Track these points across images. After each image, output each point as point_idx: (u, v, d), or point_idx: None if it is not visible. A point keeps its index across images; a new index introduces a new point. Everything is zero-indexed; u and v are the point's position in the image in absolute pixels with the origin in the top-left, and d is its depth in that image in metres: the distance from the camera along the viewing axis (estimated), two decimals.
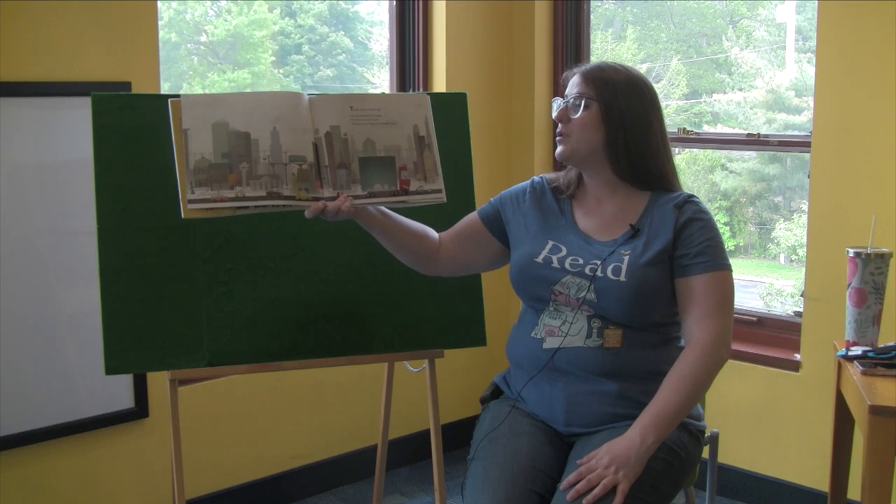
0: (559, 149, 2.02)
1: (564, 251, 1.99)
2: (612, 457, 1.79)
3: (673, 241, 1.94)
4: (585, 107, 1.97)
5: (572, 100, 2.00)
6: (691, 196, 2.00)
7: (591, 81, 1.99)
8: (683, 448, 1.91)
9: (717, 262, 1.93)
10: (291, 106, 1.94)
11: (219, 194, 1.87)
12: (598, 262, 1.94)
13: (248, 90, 3.55)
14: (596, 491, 1.76)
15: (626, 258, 1.93)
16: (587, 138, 1.98)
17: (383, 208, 2.04)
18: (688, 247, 1.93)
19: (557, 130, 2.03)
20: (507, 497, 1.82)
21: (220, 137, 1.89)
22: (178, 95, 1.96)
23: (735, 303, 1.98)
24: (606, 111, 1.97)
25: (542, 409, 2.00)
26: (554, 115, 2.03)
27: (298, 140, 1.93)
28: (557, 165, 3.62)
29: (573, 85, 2.02)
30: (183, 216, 1.87)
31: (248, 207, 1.88)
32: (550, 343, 1.96)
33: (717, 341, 1.89)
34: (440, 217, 2.17)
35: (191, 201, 1.86)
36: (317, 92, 3.65)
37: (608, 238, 1.99)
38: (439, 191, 2.04)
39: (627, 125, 1.97)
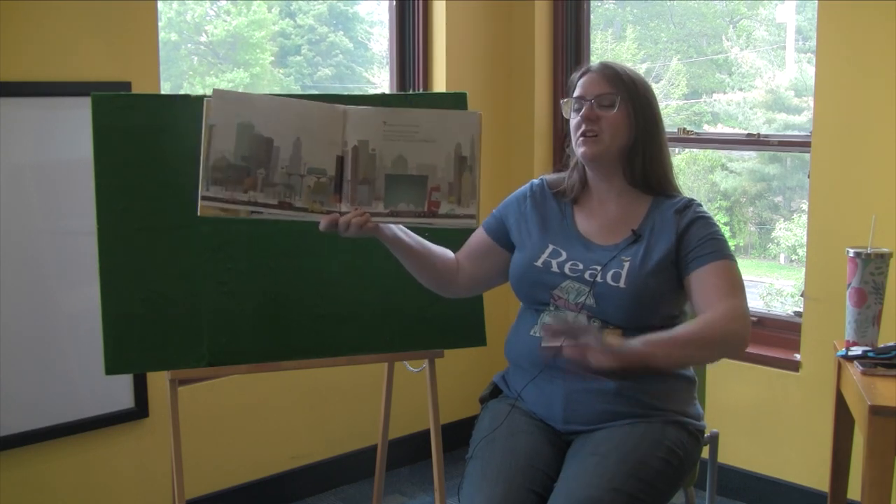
0: (587, 148, 1.98)
1: (564, 255, 1.99)
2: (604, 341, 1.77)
3: (676, 246, 1.95)
4: (617, 105, 1.97)
5: (600, 97, 1.97)
6: (692, 200, 2.01)
7: (613, 81, 1.99)
8: (682, 448, 1.91)
9: (722, 252, 1.94)
10: (320, 117, 1.90)
11: (232, 196, 1.85)
12: (598, 268, 1.94)
13: (251, 91, 3.55)
14: (571, 350, 1.74)
15: (627, 265, 1.93)
16: (619, 137, 1.98)
17: (405, 228, 2.00)
18: (691, 244, 1.95)
19: (584, 130, 1.98)
20: (504, 496, 1.82)
21: (243, 139, 1.86)
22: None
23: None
24: (634, 109, 1.98)
25: (540, 406, 2.00)
26: (576, 117, 2.00)
27: (321, 152, 1.89)
28: (557, 165, 3.62)
29: (594, 84, 1.99)
30: (199, 213, 1.86)
31: (262, 213, 1.86)
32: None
33: (735, 315, 1.87)
34: None
35: (204, 198, 1.85)
36: (316, 92, 3.66)
37: (609, 242, 1.99)
38: (472, 216, 1.94)
39: (646, 127, 1.99)
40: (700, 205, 2.01)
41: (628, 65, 2.11)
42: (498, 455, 1.91)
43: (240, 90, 3.55)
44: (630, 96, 1.98)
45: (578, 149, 2.01)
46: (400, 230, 2.00)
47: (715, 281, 1.91)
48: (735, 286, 1.92)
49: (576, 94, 2.03)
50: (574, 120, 2.02)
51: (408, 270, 2.08)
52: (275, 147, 1.87)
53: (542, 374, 1.97)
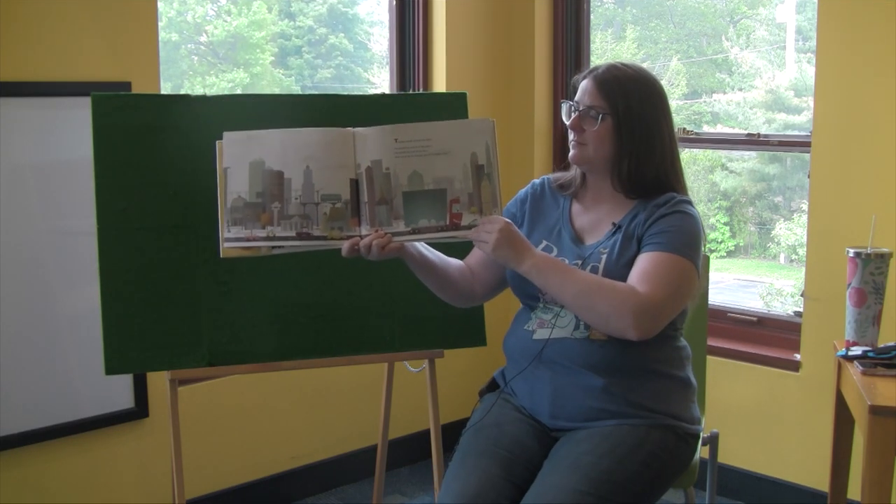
0: (574, 153, 2.01)
1: (555, 252, 2.01)
2: (508, 229, 1.86)
3: (643, 232, 1.93)
4: (601, 120, 1.96)
5: (586, 110, 1.98)
6: (677, 197, 1.97)
7: (604, 90, 1.96)
8: (666, 451, 1.90)
9: (671, 245, 1.88)
10: (327, 143, 1.89)
11: (251, 234, 1.86)
12: (579, 263, 1.95)
13: (249, 91, 3.55)
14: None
15: (604, 257, 1.94)
16: (602, 149, 1.97)
17: (427, 246, 2.00)
18: (652, 231, 1.92)
19: (572, 137, 2.01)
20: (480, 483, 1.83)
21: (256, 176, 1.87)
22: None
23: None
24: (619, 124, 1.96)
25: (529, 400, 2.01)
26: (567, 121, 2.02)
27: (333, 178, 1.88)
28: (557, 165, 3.62)
29: (586, 93, 1.99)
30: (221, 255, 1.87)
31: (283, 247, 1.87)
32: (540, 335, 1.98)
33: (638, 299, 1.81)
34: None
35: (226, 240, 1.86)
36: (317, 93, 3.66)
37: (595, 239, 2.00)
38: None
39: (637, 137, 1.96)
40: (686, 202, 1.97)
41: (643, 66, 2.07)
42: (481, 445, 1.93)
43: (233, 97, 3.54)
44: (616, 108, 1.95)
45: (570, 151, 2.03)
46: (424, 248, 1.99)
47: (646, 266, 1.87)
48: (662, 278, 1.85)
49: (575, 97, 2.03)
50: (568, 122, 2.03)
51: (430, 288, 2.07)
52: (286, 179, 1.87)
53: (532, 368, 1.98)
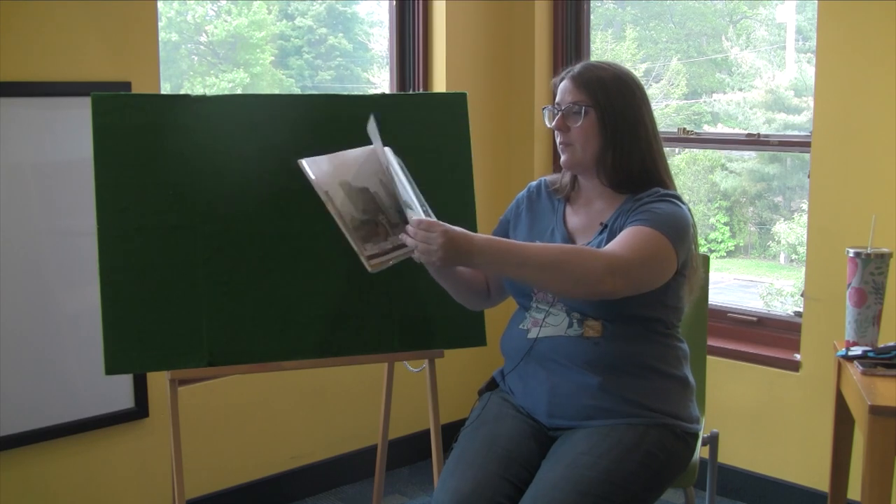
0: (564, 158, 2.03)
1: None
2: (449, 238, 1.78)
3: (625, 221, 1.94)
4: (584, 114, 1.97)
5: (569, 107, 1.99)
6: (667, 191, 1.98)
7: (583, 86, 1.99)
8: (664, 451, 1.90)
9: (650, 221, 1.89)
10: (378, 155, 1.98)
11: (381, 248, 1.92)
12: None
13: (249, 91, 3.55)
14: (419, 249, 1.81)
15: None
16: (590, 146, 1.99)
17: None
18: (632, 215, 1.93)
19: (559, 140, 2.02)
20: (476, 481, 1.84)
21: (351, 195, 1.94)
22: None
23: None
24: (603, 116, 1.97)
25: (526, 400, 2.02)
26: (551, 124, 2.03)
27: (396, 185, 1.95)
28: (557, 166, 3.63)
29: (566, 92, 2.01)
30: (370, 271, 1.92)
31: (406, 254, 1.91)
32: (534, 333, 2.00)
33: (606, 259, 1.79)
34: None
35: (370, 257, 1.91)
36: (316, 92, 3.66)
37: (585, 240, 2.02)
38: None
39: (619, 128, 1.97)
40: (672, 195, 1.98)
41: (617, 62, 2.10)
42: (478, 442, 1.94)
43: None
44: (598, 103, 1.97)
45: (561, 157, 2.05)
46: None
47: (622, 237, 1.87)
48: (636, 244, 1.84)
49: (555, 101, 2.05)
50: (552, 125, 2.04)
51: (447, 290, 2.12)
52: (372, 193, 1.96)
53: (528, 367, 2.00)
